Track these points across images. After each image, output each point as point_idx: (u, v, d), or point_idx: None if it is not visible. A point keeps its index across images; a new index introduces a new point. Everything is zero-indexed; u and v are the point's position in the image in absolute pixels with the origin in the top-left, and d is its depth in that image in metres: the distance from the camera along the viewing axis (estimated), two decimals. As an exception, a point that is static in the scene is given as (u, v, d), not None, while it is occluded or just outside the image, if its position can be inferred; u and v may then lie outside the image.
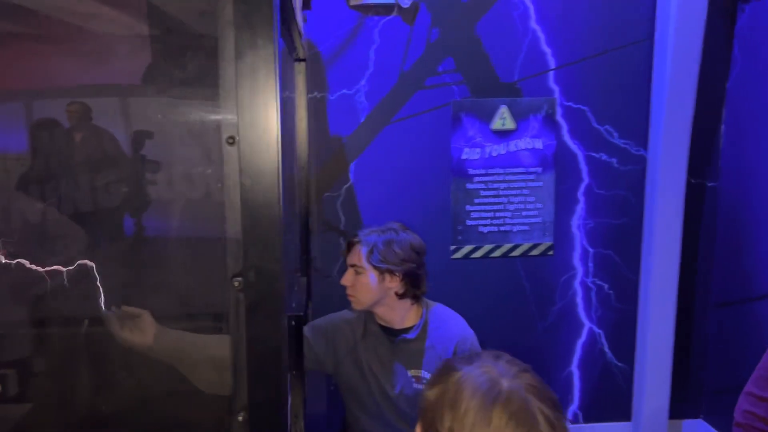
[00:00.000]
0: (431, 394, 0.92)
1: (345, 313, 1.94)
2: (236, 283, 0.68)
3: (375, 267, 1.78)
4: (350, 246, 1.86)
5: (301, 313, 1.27)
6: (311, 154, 2.30)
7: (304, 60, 2.20)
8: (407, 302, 1.84)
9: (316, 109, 2.31)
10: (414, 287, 1.83)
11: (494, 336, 2.52)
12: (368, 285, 1.79)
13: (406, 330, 1.85)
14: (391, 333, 1.86)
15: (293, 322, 1.30)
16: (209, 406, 1.35)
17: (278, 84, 0.68)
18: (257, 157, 0.68)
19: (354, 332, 1.89)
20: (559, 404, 0.91)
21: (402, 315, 1.84)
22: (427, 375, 1.83)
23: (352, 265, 1.83)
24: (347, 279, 1.83)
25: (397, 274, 1.79)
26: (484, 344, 2.50)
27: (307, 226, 2.29)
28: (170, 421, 1.62)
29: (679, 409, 2.64)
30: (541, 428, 0.79)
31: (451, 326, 1.89)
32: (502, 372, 0.91)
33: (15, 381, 1.68)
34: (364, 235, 1.84)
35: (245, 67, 0.67)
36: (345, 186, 2.37)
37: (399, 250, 1.78)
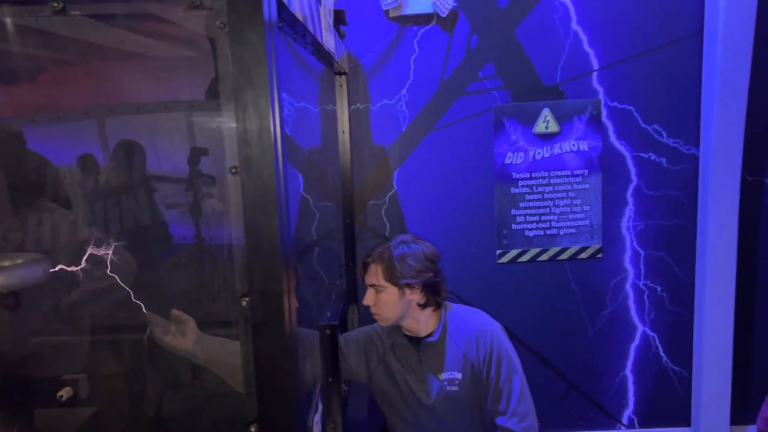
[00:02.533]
0: None
1: (376, 325, 1.98)
2: (244, 303, 0.73)
3: (394, 283, 1.81)
4: (365, 266, 1.89)
5: (335, 322, 1.32)
6: (354, 164, 2.35)
7: (345, 73, 2.25)
8: (429, 310, 1.86)
9: (359, 120, 2.36)
10: (434, 295, 1.85)
11: (544, 341, 2.51)
12: (390, 302, 1.82)
13: (429, 335, 1.88)
14: (417, 341, 1.89)
15: (328, 331, 1.35)
16: (225, 418, 1.43)
17: (273, 85, 0.72)
18: (258, 184, 0.72)
19: (383, 343, 1.93)
20: None
21: (426, 323, 1.87)
22: (457, 375, 1.85)
23: (371, 285, 1.86)
24: (369, 299, 1.86)
25: (416, 286, 1.81)
26: (533, 349, 2.50)
27: (353, 234, 2.34)
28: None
29: (741, 414, 2.55)
30: None
31: (470, 321, 1.90)
32: None
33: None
34: (377, 253, 1.86)
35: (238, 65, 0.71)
36: (389, 194, 2.41)
37: (414, 263, 1.81)
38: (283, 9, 0.90)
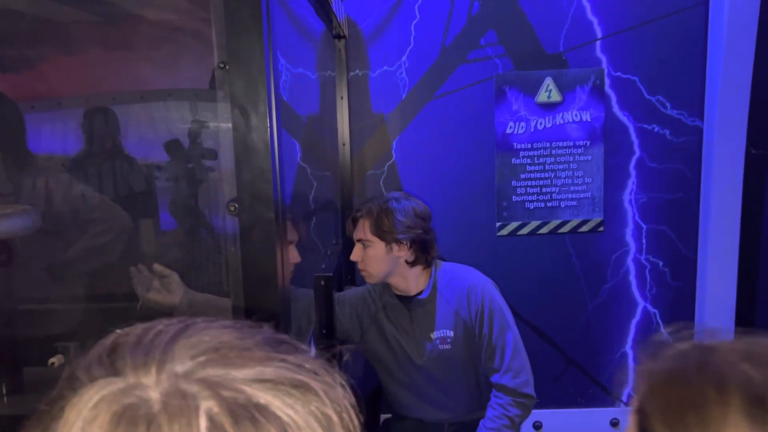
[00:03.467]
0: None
1: (368, 285, 1.94)
2: (231, 208, 0.69)
3: (381, 238, 1.77)
4: (354, 221, 1.85)
5: (330, 274, 1.28)
6: (353, 133, 2.31)
7: (344, 37, 2.21)
8: (419, 269, 1.83)
9: (357, 87, 2.32)
10: (423, 253, 1.81)
11: (543, 315, 2.47)
12: (377, 257, 1.78)
13: (419, 293, 1.84)
14: (408, 301, 1.85)
15: (322, 282, 1.31)
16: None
17: (266, 17, 0.68)
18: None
19: (375, 303, 1.90)
20: None
21: (415, 281, 1.83)
22: (449, 333, 1.82)
23: (359, 240, 1.82)
24: (356, 254, 1.82)
25: (404, 242, 1.77)
26: (532, 324, 2.46)
27: (350, 204, 2.30)
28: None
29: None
30: None
31: (460, 278, 1.86)
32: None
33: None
34: (366, 208, 1.82)
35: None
36: (388, 163, 2.37)
37: (403, 218, 1.77)
38: None
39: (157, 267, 1.48)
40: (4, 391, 1.35)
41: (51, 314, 1.91)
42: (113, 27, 1.87)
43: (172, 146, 2.03)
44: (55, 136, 2.01)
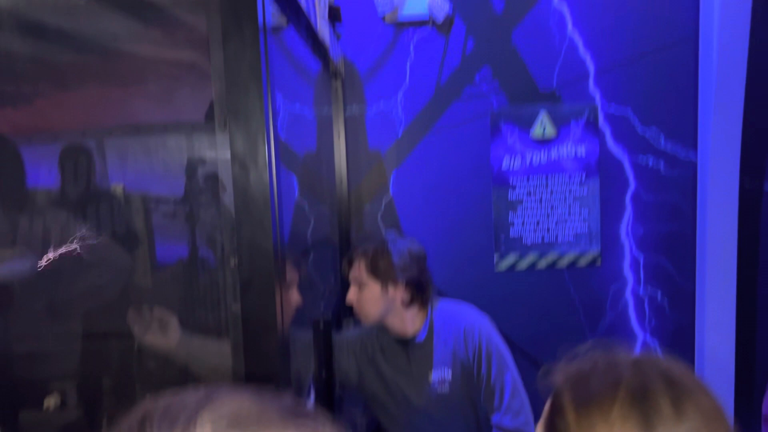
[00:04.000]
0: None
1: (364, 327, 1.93)
2: (232, 262, 0.70)
3: (377, 278, 1.77)
4: (350, 262, 1.85)
5: (329, 317, 1.28)
6: (350, 168, 2.33)
7: (341, 76, 2.25)
8: (415, 309, 1.82)
9: (354, 124, 2.34)
10: (419, 294, 1.81)
11: (543, 349, 2.46)
12: (372, 298, 1.78)
13: (416, 335, 1.83)
14: (405, 343, 1.84)
15: (321, 325, 1.31)
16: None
17: (265, 73, 0.70)
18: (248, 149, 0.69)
19: (373, 345, 1.89)
20: None
21: (412, 322, 1.83)
22: (447, 374, 1.81)
23: (355, 281, 1.82)
24: (351, 295, 1.82)
25: (399, 282, 1.77)
26: (532, 358, 2.45)
27: (348, 240, 2.31)
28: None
29: (744, 422, 2.49)
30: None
31: (457, 317, 1.86)
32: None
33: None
34: (362, 249, 1.83)
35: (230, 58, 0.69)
36: (385, 198, 2.38)
37: (399, 259, 1.77)
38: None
39: (156, 310, 1.48)
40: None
41: (46, 355, 1.90)
42: (110, 64, 1.89)
43: (170, 181, 2.05)
44: (53, 171, 2.02)
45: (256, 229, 0.68)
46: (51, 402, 1.76)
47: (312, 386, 1.39)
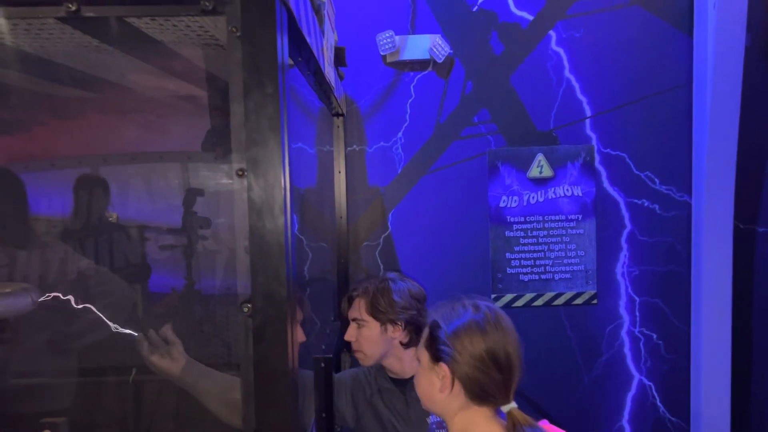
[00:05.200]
0: None
1: (363, 367, 1.93)
2: (245, 309, 0.71)
3: (376, 318, 1.78)
4: (350, 300, 1.86)
5: (331, 355, 1.28)
6: (349, 205, 2.35)
7: (342, 115, 2.28)
8: (413, 350, 1.82)
9: (355, 162, 2.37)
10: (418, 334, 1.81)
11: (539, 388, 2.46)
12: (372, 338, 1.78)
13: (414, 377, 1.83)
14: (403, 384, 1.84)
15: (322, 364, 1.31)
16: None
17: (284, 126, 0.72)
18: (266, 192, 0.71)
19: (371, 386, 1.88)
20: None
21: (410, 363, 1.82)
22: None
23: (354, 319, 1.82)
24: (350, 334, 1.82)
25: (399, 323, 1.77)
26: (528, 398, 2.44)
27: (346, 275, 2.31)
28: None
29: (741, 468, 2.48)
30: None
31: None
32: None
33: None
34: (362, 288, 1.83)
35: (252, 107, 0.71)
36: (383, 235, 2.40)
37: (399, 299, 1.77)
38: (292, 24, 0.91)
39: (164, 329, 1.47)
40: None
41: (41, 389, 1.88)
42: (107, 95, 1.91)
43: (165, 211, 2.06)
44: (52, 198, 2.02)
45: (271, 278, 0.69)
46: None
47: (314, 426, 1.38)
